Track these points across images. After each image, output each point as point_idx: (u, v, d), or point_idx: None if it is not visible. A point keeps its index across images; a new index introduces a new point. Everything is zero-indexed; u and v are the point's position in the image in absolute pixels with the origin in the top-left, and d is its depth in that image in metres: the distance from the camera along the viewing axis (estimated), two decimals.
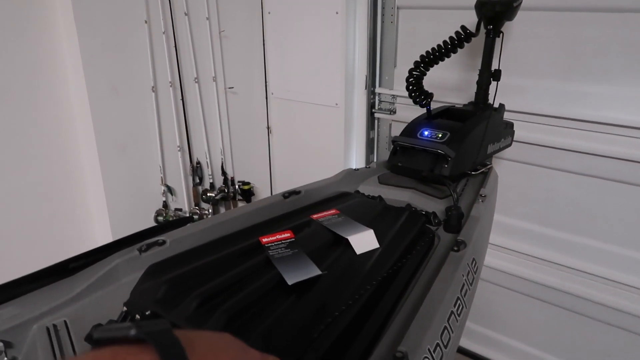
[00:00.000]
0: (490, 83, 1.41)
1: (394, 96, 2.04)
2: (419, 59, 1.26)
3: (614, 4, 1.44)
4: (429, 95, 1.25)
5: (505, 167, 1.79)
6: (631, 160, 1.50)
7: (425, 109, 1.27)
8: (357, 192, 1.16)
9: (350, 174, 1.21)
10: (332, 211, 0.92)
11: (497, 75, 1.39)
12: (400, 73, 2.01)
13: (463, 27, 1.23)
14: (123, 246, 0.83)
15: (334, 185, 1.17)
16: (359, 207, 1.00)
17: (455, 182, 1.17)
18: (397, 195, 1.15)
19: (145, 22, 1.84)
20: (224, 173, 2.29)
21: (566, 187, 1.67)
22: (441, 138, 1.15)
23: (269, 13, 2.25)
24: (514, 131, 1.47)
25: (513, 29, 1.65)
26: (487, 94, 1.41)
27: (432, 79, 1.86)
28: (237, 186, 2.33)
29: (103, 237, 1.96)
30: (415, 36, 1.93)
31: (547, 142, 1.65)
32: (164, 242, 0.83)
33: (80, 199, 1.90)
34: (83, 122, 1.79)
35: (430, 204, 1.10)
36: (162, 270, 0.73)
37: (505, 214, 1.83)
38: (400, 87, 2.02)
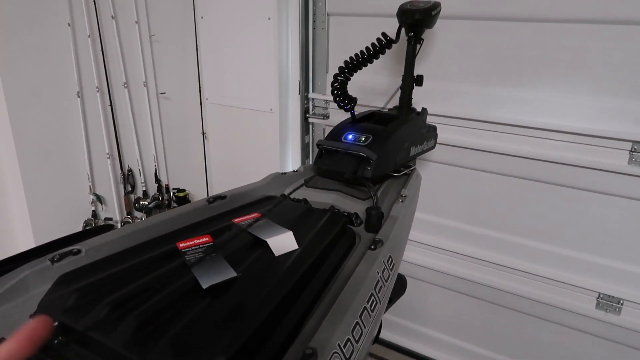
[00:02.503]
0: (412, 88, 1.46)
1: (326, 101, 2.08)
2: (342, 65, 1.30)
3: (526, 14, 1.54)
4: (353, 100, 1.29)
5: (433, 169, 1.86)
6: (544, 160, 1.61)
7: (349, 113, 1.30)
8: (283, 195, 1.18)
9: (278, 178, 1.22)
10: (255, 215, 0.93)
11: (419, 80, 1.45)
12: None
13: (383, 34, 1.28)
14: (35, 257, 0.80)
15: (261, 189, 1.18)
16: (282, 210, 1.01)
17: (378, 183, 1.21)
18: (322, 198, 1.17)
19: (69, 24, 1.78)
20: (157, 180, 2.25)
21: (489, 187, 1.77)
22: (364, 141, 1.19)
23: (202, 18, 2.23)
24: (437, 134, 1.53)
25: (437, 36, 1.73)
26: (410, 99, 1.47)
27: (363, 83, 1.92)
28: (172, 194, 2.29)
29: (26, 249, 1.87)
30: (346, 42, 1.97)
31: (470, 144, 1.74)
32: (79, 252, 0.80)
33: (1, 208, 1.80)
34: (1, 128, 1.70)
35: (353, 205, 1.13)
36: (74, 280, 0.71)
37: (434, 214, 1.91)
38: None
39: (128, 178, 2.12)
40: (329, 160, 1.23)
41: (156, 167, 2.23)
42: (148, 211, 2.19)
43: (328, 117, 2.09)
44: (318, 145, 1.24)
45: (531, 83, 1.60)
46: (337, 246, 0.89)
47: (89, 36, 1.85)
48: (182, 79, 2.29)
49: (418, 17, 1.35)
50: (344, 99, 1.29)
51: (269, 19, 2.02)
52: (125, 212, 2.13)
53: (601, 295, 1.65)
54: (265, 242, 0.81)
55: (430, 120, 1.71)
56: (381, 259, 0.84)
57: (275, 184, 1.22)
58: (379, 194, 1.16)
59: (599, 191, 1.55)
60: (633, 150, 1.45)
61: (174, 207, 2.33)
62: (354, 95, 1.30)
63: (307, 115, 2.14)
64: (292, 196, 1.18)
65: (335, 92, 1.29)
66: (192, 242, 0.79)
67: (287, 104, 2.16)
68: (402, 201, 1.09)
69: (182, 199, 2.29)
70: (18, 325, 0.68)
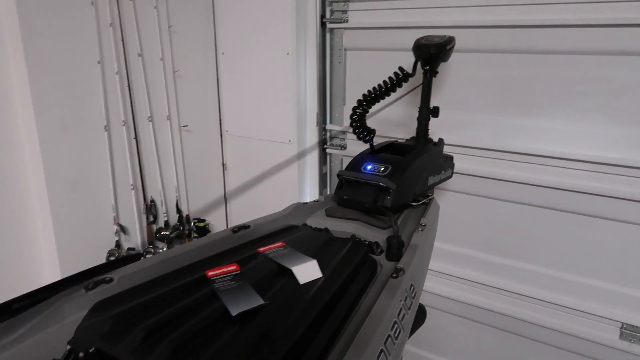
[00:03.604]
0: (429, 119, 1.50)
1: (344, 132, 2.13)
2: (361, 98, 1.35)
3: (538, 47, 1.59)
4: (372, 132, 1.33)
5: (451, 198, 1.88)
6: (561, 189, 1.62)
7: (368, 144, 1.34)
8: (305, 225, 1.21)
9: (299, 208, 1.26)
10: (279, 244, 0.95)
11: (435, 111, 1.49)
12: (350, 110, 2.10)
13: (400, 69, 1.33)
14: (69, 285, 0.84)
15: (282, 219, 1.21)
16: (305, 239, 1.04)
17: (398, 212, 1.24)
18: (343, 227, 1.20)
19: (99, 62, 1.87)
20: (178, 211, 2.30)
21: (507, 216, 1.78)
22: (383, 171, 1.22)
23: (223, 54, 2.32)
24: (454, 164, 1.56)
25: (453, 68, 1.77)
26: (427, 129, 1.50)
27: (379, 115, 1.97)
28: (192, 224, 2.33)
29: (52, 278, 1.91)
30: (362, 75, 2.03)
31: (487, 174, 1.76)
32: (111, 280, 0.84)
33: (29, 239, 1.86)
34: (33, 161, 1.77)
35: (374, 234, 1.15)
36: (108, 307, 0.74)
37: (452, 243, 1.92)
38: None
39: (150, 208, 2.17)
40: (349, 190, 1.26)
41: (177, 197, 2.29)
42: (169, 241, 2.23)
43: (345, 148, 2.14)
44: (338, 175, 1.27)
45: (545, 113, 1.63)
46: (359, 275, 0.91)
47: (116, 73, 1.93)
48: (203, 112, 2.36)
49: (433, 52, 1.40)
50: (362, 130, 1.33)
51: (288, 54, 2.09)
52: (147, 242, 2.18)
53: (625, 326, 1.62)
54: (290, 270, 0.84)
55: (447, 150, 1.74)
56: (403, 287, 0.86)
57: (297, 214, 1.25)
58: (399, 222, 1.18)
59: (618, 219, 1.56)
60: None
61: (194, 237, 2.37)
62: (372, 127, 1.34)
63: (325, 146, 2.19)
64: (313, 225, 1.21)
65: (354, 124, 1.34)
66: (221, 271, 0.82)
67: (305, 135, 2.21)
68: (421, 230, 1.11)
69: (202, 229, 2.33)
70: (56, 352, 0.71)
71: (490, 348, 1.93)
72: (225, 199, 2.47)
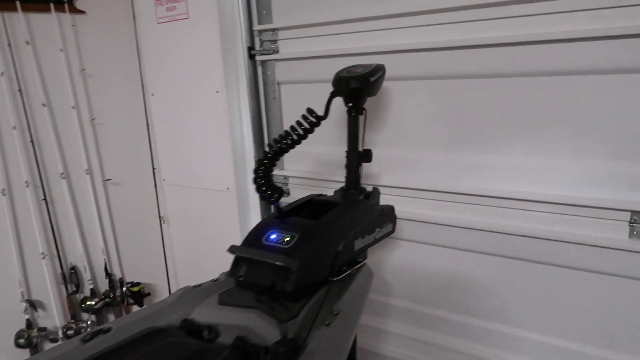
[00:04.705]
0: (360, 165, 1.25)
1: (285, 177, 1.87)
2: (266, 149, 1.09)
3: (489, 70, 1.35)
4: (278, 191, 1.07)
5: (405, 249, 1.61)
6: (526, 236, 1.35)
7: (274, 206, 1.08)
8: (186, 320, 0.93)
9: (188, 293, 0.99)
10: None
11: (367, 155, 1.24)
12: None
13: (309, 110, 1.08)
14: None
15: (167, 309, 0.94)
16: (163, 353, 0.77)
17: (307, 296, 0.97)
18: (237, 319, 0.92)
19: None
20: (108, 275, 2.02)
21: (469, 267, 1.51)
22: (287, 242, 0.96)
23: (153, 95, 2.08)
24: (395, 216, 1.29)
25: (395, 99, 1.53)
26: (357, 178, 1.24)
27: (319, 155, 1.72)
28: (125, 288, 2.05)
29: None
30: (300, 111, 1.78)
31: (441, 219, 1.49)
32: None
33: None
34: None
35: (272, 330, 0.88)
36: None
37: (411, 300, 1.64)
38: (292, 167, 1.86)
39: (71, 277, 1.89)
40: (246, 269, 0.99)
41: (106, 260, 2.01)
42: (96, 312, 1.95)
43: (288, 194, 1.88)
44: (230, 251, 1.01)
45: (505, 147, 1.38)
46: None
47: (14, 128, 1.68)
48: (134, 161, 2.10)
49: (354, 86, 1.15)
50: (266, 189, 1.06)
51: (218, 92, 1.85)
52: (69, 316, 1.89)
53: None
54: None
55: (393, 193, 1.49)
56: None
57: (185, 301, 0.98)
58: (304, 311, 0.91)
59: (599, 271, 1.28)
60: (633, 221, 1.20)
61: (130, 304, 2.08)
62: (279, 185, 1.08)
63: None
64: (199, 319, 0.93)
65: (258, 180, 1.08)
66: None
67: (246, 181, 1.95)
68: (328, 323, 0.84)
69: (137, 293, 2.05)
70: None
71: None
72: (165, 255, 2.19)
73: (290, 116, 1.82)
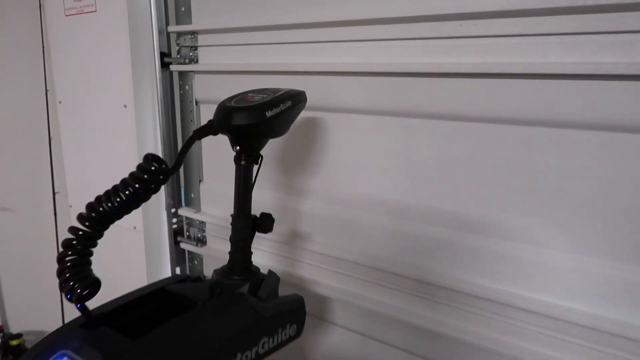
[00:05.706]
0: (252, 236, 0.84)
1: (202, 222, 1.46)
2: (77, 225, 0.68)
3: (467, 110, 0.94)
4: (94, 284, 0.66)
5: (336, 336, 1.20)
6: None
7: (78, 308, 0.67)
8: None
9: None
10: None
11: (263, 224, 0.84)
12: (209, 189, 1.45)
13: (148, 158, 0.68)
14: None
15: None
16: None
17: None
18: None
19: None
20: None
21: None
22: None
23: (60, 103, 1.68)
24: (303, 312, 0.88)
25: (333, 136, 1.13)
26: (246, 255, 0.84)
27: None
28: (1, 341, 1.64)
29: None
30: (225, 141, 1.38)
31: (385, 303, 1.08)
32: None
33: None
34: None
35: None
36: None
37: None
38: (209, 210, 1.46)
39: None
40: None
41: None
42: None
43: (205, 244, 1.47)
44: None
45: (485, 225, 0.97)
46: None
47: None
48: (29, 183, 1.70)
49: (240, 122, 0.75)
50: (73, 283, 0.65)
51: (125, 106, 1.45)
52: None
53: None
54: None
55: (324, 264, 1.10)
56: None
57: None
58: None
59: None
60: None
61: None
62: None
63: (179, 238, 1.51)
64: None
65: (64, 272, 0.66)
66: None
67: (159, 221, 1.54)
68: None
69: (16, 348, 1.63)
70: None
71: None
72: (62, 300, 1.78)
73: (211, 147, 1.42)
